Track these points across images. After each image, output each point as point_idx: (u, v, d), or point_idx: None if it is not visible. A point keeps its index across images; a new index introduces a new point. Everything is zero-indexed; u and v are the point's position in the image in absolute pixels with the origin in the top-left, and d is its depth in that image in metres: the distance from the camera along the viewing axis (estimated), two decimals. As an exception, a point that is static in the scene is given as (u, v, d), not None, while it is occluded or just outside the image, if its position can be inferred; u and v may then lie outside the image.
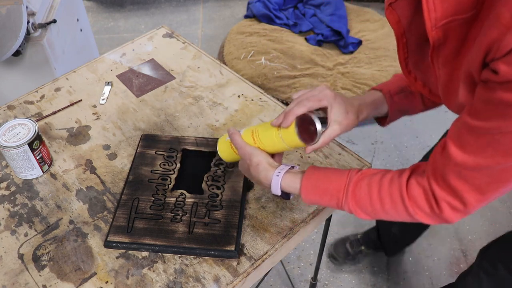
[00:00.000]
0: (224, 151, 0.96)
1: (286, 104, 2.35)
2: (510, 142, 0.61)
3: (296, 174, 0.84)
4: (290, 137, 0.84)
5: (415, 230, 1.65)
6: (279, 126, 0.84)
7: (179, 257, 0.91)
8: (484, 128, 0.63)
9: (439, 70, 0.73)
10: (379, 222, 1.75)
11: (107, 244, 0.93)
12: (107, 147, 1.13)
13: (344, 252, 1.82)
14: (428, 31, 0.63)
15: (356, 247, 1.82)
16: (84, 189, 1.04)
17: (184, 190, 1.01)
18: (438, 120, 2.43)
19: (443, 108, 2.56)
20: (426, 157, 1.17)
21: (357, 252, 1.82)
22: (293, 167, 0.87)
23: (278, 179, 0.82)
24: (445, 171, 0.68)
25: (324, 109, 0.83)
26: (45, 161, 1.06)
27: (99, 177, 1.06)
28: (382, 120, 0.95)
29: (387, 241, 1.73)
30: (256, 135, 0.89)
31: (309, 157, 1.09)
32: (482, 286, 1.11)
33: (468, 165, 0.66)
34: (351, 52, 2.59)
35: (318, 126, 0.80)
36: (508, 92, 0.58)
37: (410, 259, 1.85)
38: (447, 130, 0.74)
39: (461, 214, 0.69)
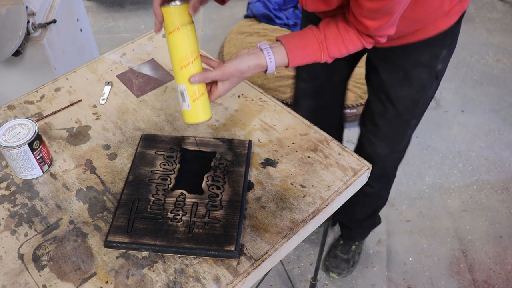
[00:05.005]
0: (196, 110, 0.98)
1: (287, 104, 2.35)
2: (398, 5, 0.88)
3: (279, 51, 0.99)
4: (173, 17, 0.93)
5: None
6: (159, 29, 0.97)
7: (179, 257, 0.91)
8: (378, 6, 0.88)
9: None
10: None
11: (107, 244, 0.93)
12: (107, 147, 1.13)
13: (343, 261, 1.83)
14: None
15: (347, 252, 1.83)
16: (84, 189, 1.04)
17: (184, 190, 1.01)
18: (438, 120, 2.43)
19: (443, 108, 2.56)
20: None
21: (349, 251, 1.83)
22: (268, 46, 1.00)
23: (273, 64, 0.99)
24: (372, 33, 0.98)
25: None
26: (45, 161, 1.06)
27: (99, 177, 1.06)
28: (221, 1, 1.09)
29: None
30: (189, 66, 0.95)
31: (309, 157, 1.09)
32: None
33: (382, 26, 0.94)
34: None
35: None
36: None
37: (410, 259, 1.86)
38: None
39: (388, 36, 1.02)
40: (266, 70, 1.00)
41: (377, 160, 1.38)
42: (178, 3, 0.92)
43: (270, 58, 0.98)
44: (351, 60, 1.07)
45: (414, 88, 1.23)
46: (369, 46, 1.02)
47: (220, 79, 0.98)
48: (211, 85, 1.01)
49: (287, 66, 1.01)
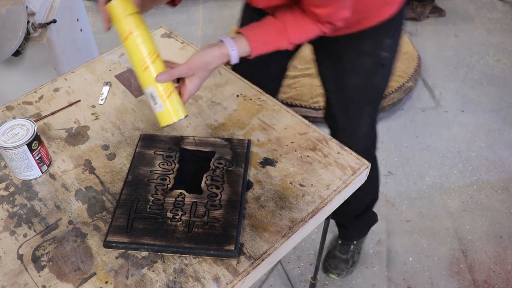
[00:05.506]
0: (172, 109, 0.97)
1: (286, 104, 2.35)
2: None
3: (241, 41, 1.00)
4: (119, 10, 0.92)
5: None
6: (108, 27, 0.98)
7: (179, 256, 0.91)
8: None
9: None
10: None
11: (107, 244, 0.93)
12: (106, 147, 1.13)
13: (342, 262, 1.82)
14: None
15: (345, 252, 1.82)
16: (83, 189, 1.04)
17: (183, 190, 1.01)
18: (438, 120, 2.43)
19: (443, 108, 2.57)
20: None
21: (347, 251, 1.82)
22: (229, 37, 1.01)
23: (235, 53, 0.99)
24: (325, 20, 1.01)
25: None
26: (44, 162, 1.06)
27: (98, 177, 1.06)
28: (171, 3, 1.10)
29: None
30: (150, 65, 0.94)
31: (308, 156, 1.09)
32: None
33: (332, 13, 0.98)
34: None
35: None
36: None
37: (410, 259, 1.85)
38: None
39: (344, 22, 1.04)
40: (230, 60, 1.01)
41: None
42: None
43: (232, 47, 0.99)
44: (289, 51, 1.10)
45: (361, 75, 1.27)
46: (328, 31, 1.04)
47: (187, 74, 0.97)
48: (179, 85, 1.00)
49: (250, 56, 1.02)
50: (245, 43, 1.01)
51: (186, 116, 0.98)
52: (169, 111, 0.96)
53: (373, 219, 1.75)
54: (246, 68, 1.33)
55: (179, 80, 1.00)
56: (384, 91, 1.36)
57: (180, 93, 0.99)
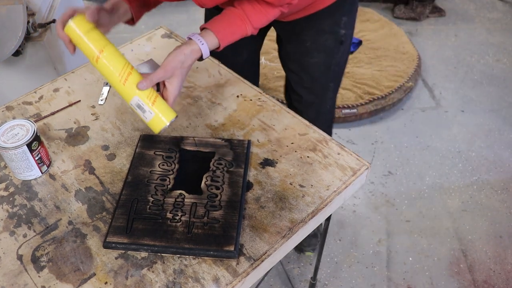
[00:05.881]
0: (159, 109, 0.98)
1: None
2: None
3: (208, 35, 1.03)
4: (77, 31, 0.94)
5: None
6: (73, 49, 1.00)
7: (178, 257, 0.91)
8: None
9: None
10: None
11: (106, 245, 0.93)
12: (106, 147, 1.13)
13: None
14: None
15: None
16: (83, 190, 1.04)
17: (183, 190, 1.01)
18: (438, 120, 2.43)
19: (443, 108, 2.58)
20: None
21: None
22: (196, 33, 1.04)
23: (205, 46, 1.02)
24: (281, 3, 1.05)
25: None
26: (43, 162, 1.06)
27: (98, 177, 1.06)
28: (130, 21, 1.13)
29: None
30: (126, 79, 0.96)
31: (308, 156, 1.09)
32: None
33: None
34: (351, 52, 2.59)
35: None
36: None
37: (410, 259, 1.85)
38: None
39: None
40: (202, 55, 1.03)
41: None
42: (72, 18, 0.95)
43: (201, 42, 1.02)
44: (257, 36, 1.14)
45: (322, 53, 1.35)
46: (287, 10, 1.09)
47: (165, 77, 0.99)
48: (161, 91, 1.02)
49: (218, 48, 1.05)
50: (213, 36, 1.03)
51: (176, 117, 1.00)
52: (159, 115, 0.98)
53: None
54: (220, 61, 1.37)
55: (159, 88, 1.02)
56: (345, 67, 1.45)
57: (163, 98, 1.01)
